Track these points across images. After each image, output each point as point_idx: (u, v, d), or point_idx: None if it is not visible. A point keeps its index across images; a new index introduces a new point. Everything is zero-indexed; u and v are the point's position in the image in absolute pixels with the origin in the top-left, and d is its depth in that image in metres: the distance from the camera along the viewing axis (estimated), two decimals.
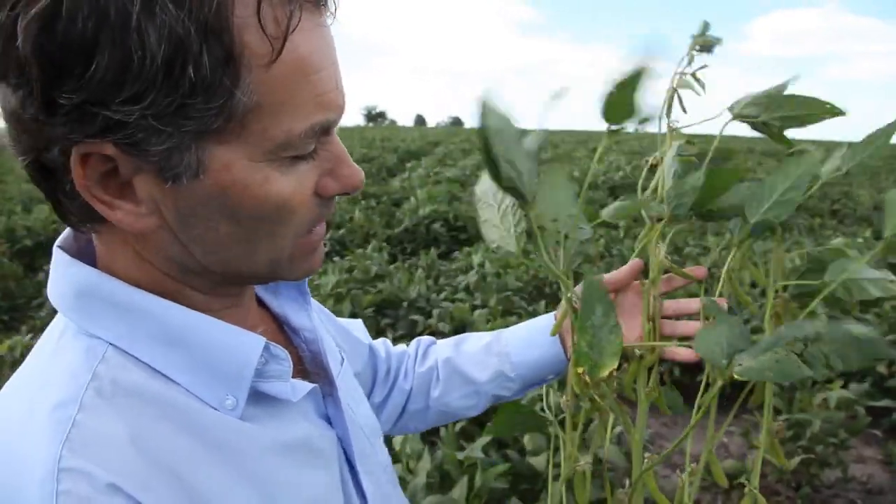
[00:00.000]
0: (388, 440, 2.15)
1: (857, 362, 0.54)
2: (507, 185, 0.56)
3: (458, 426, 2.22)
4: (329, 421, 0.63)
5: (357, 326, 0.90)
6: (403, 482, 1.77)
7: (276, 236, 0.52)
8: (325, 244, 0.59)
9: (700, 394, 0.60)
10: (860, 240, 5.49)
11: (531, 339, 0.87)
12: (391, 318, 3.64)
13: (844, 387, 2.80)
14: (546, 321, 0.88)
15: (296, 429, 0.57)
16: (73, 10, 0.40)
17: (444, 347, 0.93)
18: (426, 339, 0.97)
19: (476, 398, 0.89)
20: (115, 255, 0.52)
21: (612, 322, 0.58)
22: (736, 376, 0.53)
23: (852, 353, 0.54)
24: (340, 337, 0.82)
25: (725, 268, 0.66)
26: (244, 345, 0.52)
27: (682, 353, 0.68)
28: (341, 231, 6.28)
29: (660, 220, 0.64)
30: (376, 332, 3.37)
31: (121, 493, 0.44)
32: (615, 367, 0.57)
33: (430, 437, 2.31)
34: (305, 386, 0.57)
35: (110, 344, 0.50)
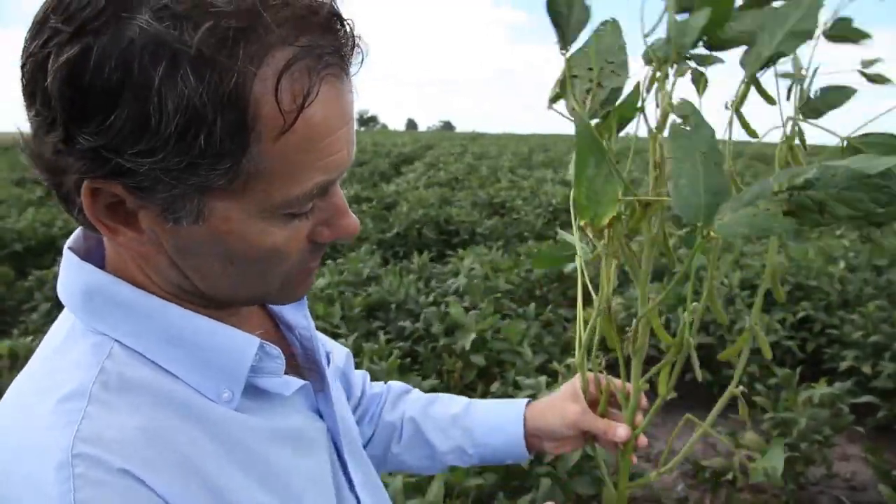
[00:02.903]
0: None
1: (868, 205, 0.45)
2: (553, 19, 0.61)
3: None
4: (320, 415, 0.66)
5: (339, 352, 0.91)
6: (385, 485, 1.78)
7: (267, 276, 0.55)
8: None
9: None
10: (846, 243, 5.55)
11: (498, 425, 0.89)
12: (382, 320, 3.66)
13: (829, 385, 2.84)
14: (515, 409, 0.89)
15: (288, 420, 0.60)
16: (102, 63, 0.43)
17: (413, 404, 0.94)
18: (399, 385, 0.98)
19: (431, 461, 0.92)
20: (124, 261, 0.55)
21: (606, 171, 0.58)
22: (713, 234, 0.51)
23: (861, 193, 0.45)
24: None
25: (734, 104, 0.63)
26: (241, 344, 0.56)
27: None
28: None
29: (665, 60, 0.61)
30: (367, 335, 3.38)
31: (132, 477, 0.46)
32: (614, 214, 0.58)
33: None
34: (297, 382, 0.60)
35: (116, 341, 0.53)
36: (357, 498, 0.68)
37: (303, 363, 0.69)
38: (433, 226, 6.45)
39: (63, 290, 0.56)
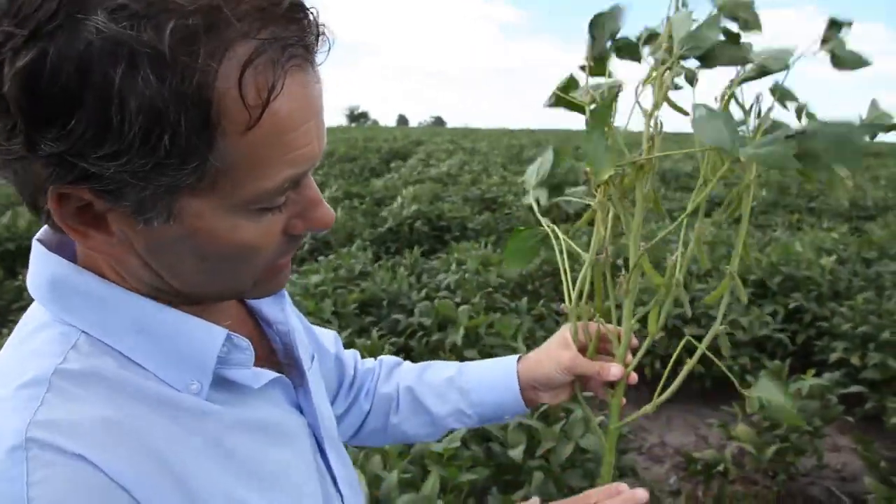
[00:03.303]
0: None
1: (850, 158, 0.61)
2: (592, 33, 0.78)
3: None
4: (300, 410, 0.66)
5: (327, 336, 0.92)
6: (378, 479, 1.78)
7: (241, 271, 0.55)
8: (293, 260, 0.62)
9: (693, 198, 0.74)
10: (835, 235, 5.60)
11: (493, 382, 0.90)
12: (374, 316, 3.66)
13: (818, 376, 2.86)
14: (508, 364, 0.91)
15: (259, 412, 0.60)
16: (58, 68, 0.41)
17: (407, 374, 0.95)
18: (390, 359, 0.99)
19: (432, 428, 0.92)
20: (94, 257, 0.55)
21: (605, 144, 0.73)
22: (742, 159, 0.63)
23: (844, 148, 0.61)
24: (310, 340, 0.84)
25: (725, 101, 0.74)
26: (207, 336, 0.55)
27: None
28: (325, 231, 6.27)
29: (664, 62, 0.74)
30: (360, 330, 3.38)
31: (87, 462, 0.46)
32: (611, 172, 0.72)
33: None
34: (268, 374, 0.60)
35: (83, 332, 0.53)
36: (340, 494, 0.69)
37: (283, 359, 0.69)
38: (425, 221, 6.45)
39: (31, 281, 0.55)
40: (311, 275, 4.03)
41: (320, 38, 0.50)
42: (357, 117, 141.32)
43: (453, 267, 4.32)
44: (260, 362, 0.61)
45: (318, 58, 0.51)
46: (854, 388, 3.07)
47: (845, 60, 0.68)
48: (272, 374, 0.60)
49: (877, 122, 0.65)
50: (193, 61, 0.42)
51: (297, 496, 0.61)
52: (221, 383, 0.57)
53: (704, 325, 3.52)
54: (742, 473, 2.81)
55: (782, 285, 4.10)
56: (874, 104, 0.66)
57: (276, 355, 0.69)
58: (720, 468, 2.68)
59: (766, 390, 0.75)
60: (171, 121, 0.43)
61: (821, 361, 3.55)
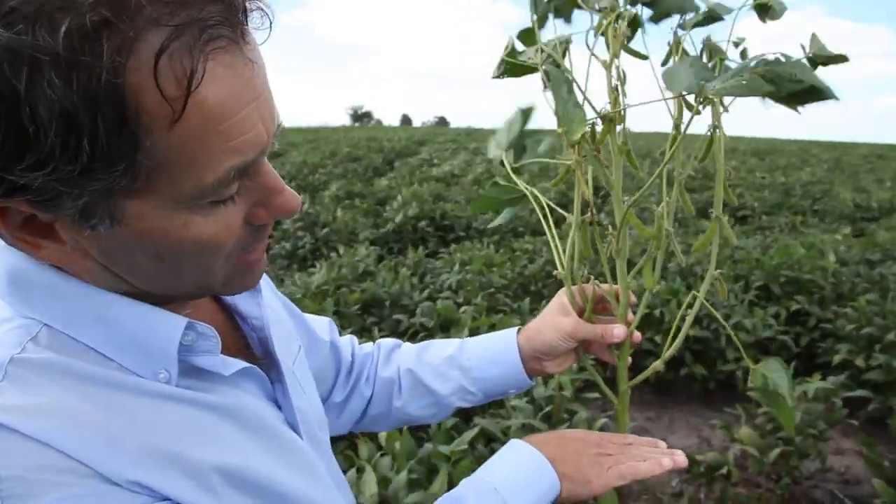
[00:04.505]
0: (374, 435, 2.16)
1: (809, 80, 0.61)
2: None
3: (449, 423, 2.23)
4: (278, 405, 0.65)
5: (320, 324, 0.91)
6: (386, 480, 1.78)
7: (205, 267, 0.53)
8: (267, 258, 0.60)
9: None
10: (839, 237, 5.58)
11: (494, 357, 0.88)
12: (376, 316, 3.65)
13: (822, 379, 2.85)
14: (508, 337, 0.89)
15: (232, 399, 0.58)
16: None
17: (406, 356, 0.93)
18: (388, 341, 0.98)
19: (437, 408, 0.91)
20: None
21: (575, 99, 0.72)
22: (710, 95, 0.62)
23: (805, 74, 0.61)
24: (300, 330, 0.83)
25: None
26: (167, 324, 0.54)
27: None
28: (326, 230, 6.28)
29: (613, 9, 0.74)
30: (361, 330, 3.37)
31: (44, 445, 0.45)
32: (583, 131, 0.71)
33: (417, 432, 2.33)
34: (238, 363, 0.59)
35: (45, 324, 0.52)
36: None
37: (259, 354, 0.68)
38: (428, 221, 6.44)
39: None
40: (314, 275, 4.03)
41: (248, 14, 0.47)
42: (360, 117, 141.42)
43: (456, 267, 4.31)
44: (233, 356, 0.60)
45: (260, 35, 0.48)
46: (858, 392, 3.05)
47: (772, 10, 0.70)
48: (242, 364, 0.59)
49: (819, 53, 0.66)
50: (97, 59, 0.40)
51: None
52: (191, 371, 0.56)
53: (706, 326, 3.51)
54: (745, 476, 2.80)
55: (785, 288, 4.09)
56: (815, 38, 0.67)
57: (252, 351, 0.68)
58: (723, 471, 2.67)
59: (772, 371, 0.73)
60: (85, 124, 0.41)
61: (825, 364, 3.54)
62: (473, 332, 3.05)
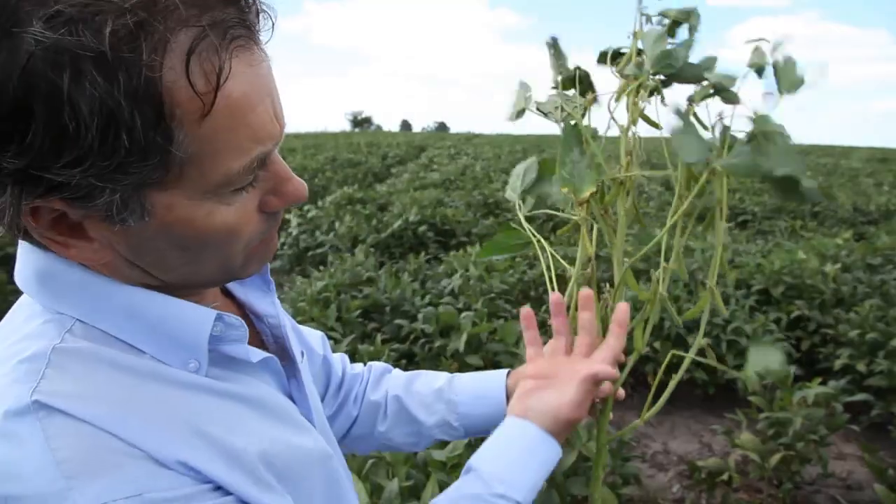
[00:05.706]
0: None
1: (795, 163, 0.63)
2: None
3: None
4: (293, 400, 0.67)
5: (315, 337, 0.92)
6: (380, 488, 1.78)
7: (226, 254, 0.56)
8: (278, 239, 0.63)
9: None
10: (839, 241, 5.58)
11: (482, 395, 0.89)
12: (377, 322, 3.65)
13: (823, 384, 2.84)
14: (497, 378, 0.90)
15: (257, 389, 0.61)
16: (4, 86, 0.42)
17: (396, 382, 0.94)
18: (379, 365, 0.99)
19: (418, 437, 0.92)
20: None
21: (588, 161, 0.74)
22: (719, 168, 0.65)
23: (789, 156, 0.63)
24: (297, 340, 0.85)
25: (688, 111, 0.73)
26: (198, 315, 0.57)
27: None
28: (329, 236, 6.28)
29: (636, 79, 0.74)
30: (363, 336, 3.38)
31: (94, 427, 0.48)
32: (594, 190, 0.73)
33: None
34: (261, 352, 0.61)
35: (77, 319, 0.54)
36: None
37: (273, 351, 0.69)
38: (429, 226, 6.45)
39: (19, 276, 0.56)
40: (315, 281, 4.03)
41: (260, 16, 0.50)
42: (360, 122, 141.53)
43: (458, 273, 4.31)
44: None
45: (263, 36, 0.51)
46: (860, 397, 3.04)
47: (786, 82, 0.69)
48: (265, 353, 0.62)
49: (756, 63, 0.68)
50: (137, 57, 0.43)
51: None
52: (220, 361, 0.58)
53: (706, 335, 3.50)
54: (746, 482, 2.79)
55: (786, 293, 4.08)
56: (757, 51, 0.69)
57: (268, 348, 0.69)
58: (724, 476, 2.67)
59: (767, 357, 0.75)
60: (125, 119, 0.43)
61: (826, 369, 3.53)
62: (473, 338, 3.05)
